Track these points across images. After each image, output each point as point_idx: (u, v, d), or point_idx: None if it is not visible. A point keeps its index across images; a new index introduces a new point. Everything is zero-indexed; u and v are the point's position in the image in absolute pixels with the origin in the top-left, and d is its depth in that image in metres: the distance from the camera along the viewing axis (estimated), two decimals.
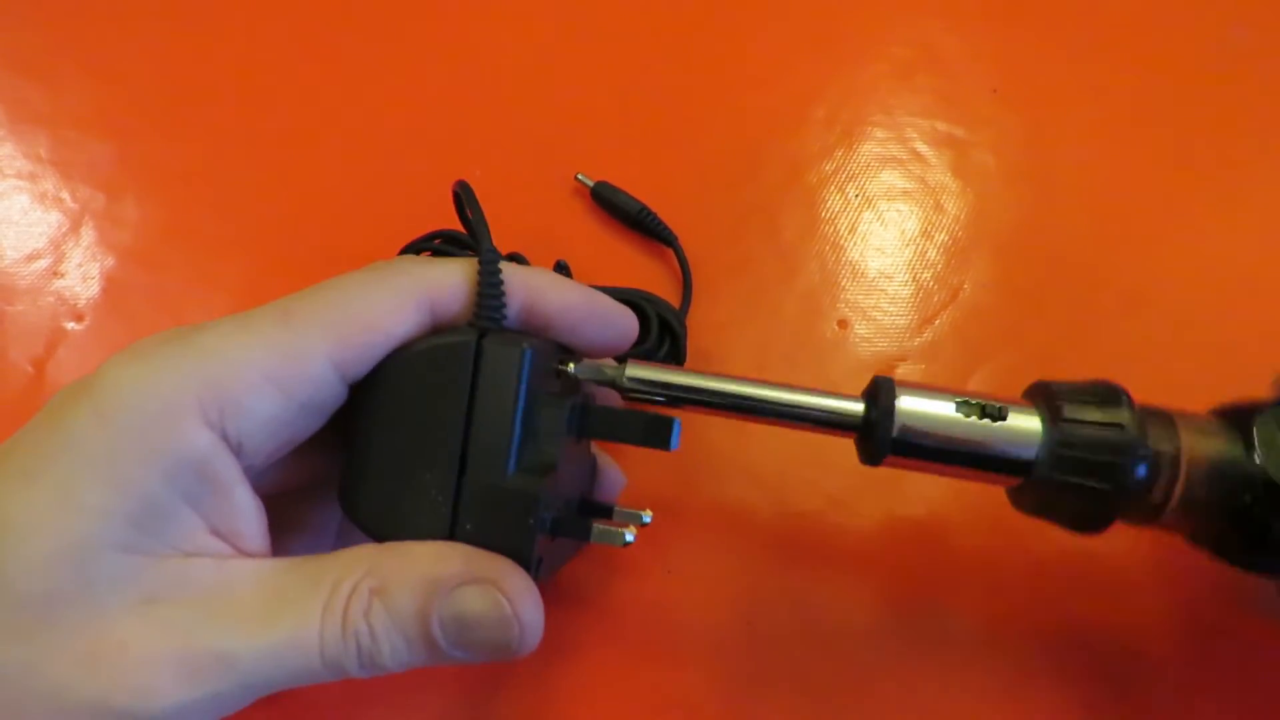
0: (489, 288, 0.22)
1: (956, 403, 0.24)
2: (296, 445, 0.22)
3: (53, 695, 0.18)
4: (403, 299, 0.22)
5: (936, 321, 0.34)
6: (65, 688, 0.18)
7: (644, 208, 0.35)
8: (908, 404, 0.24)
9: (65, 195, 0.37)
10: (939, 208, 0.36)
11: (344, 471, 0.23)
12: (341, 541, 0.27)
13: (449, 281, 0.22)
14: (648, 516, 0.26)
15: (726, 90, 0.39)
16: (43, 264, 0.36)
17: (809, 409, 0.24)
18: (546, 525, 0.22)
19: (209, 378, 0.19)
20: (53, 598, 0.18)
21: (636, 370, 0.25)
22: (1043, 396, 0.25)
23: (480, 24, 0.41)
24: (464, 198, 0.25)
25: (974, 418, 0.24)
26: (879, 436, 0.24)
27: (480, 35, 0.40)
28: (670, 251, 0.35)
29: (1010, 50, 0.39)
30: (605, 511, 0.27)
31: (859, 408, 0.24)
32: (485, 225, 0.24)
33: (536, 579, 0.21)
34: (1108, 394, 0.24)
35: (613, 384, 0.25)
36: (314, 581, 0.20)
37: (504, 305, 0.23)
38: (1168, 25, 0.39)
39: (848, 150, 0.38)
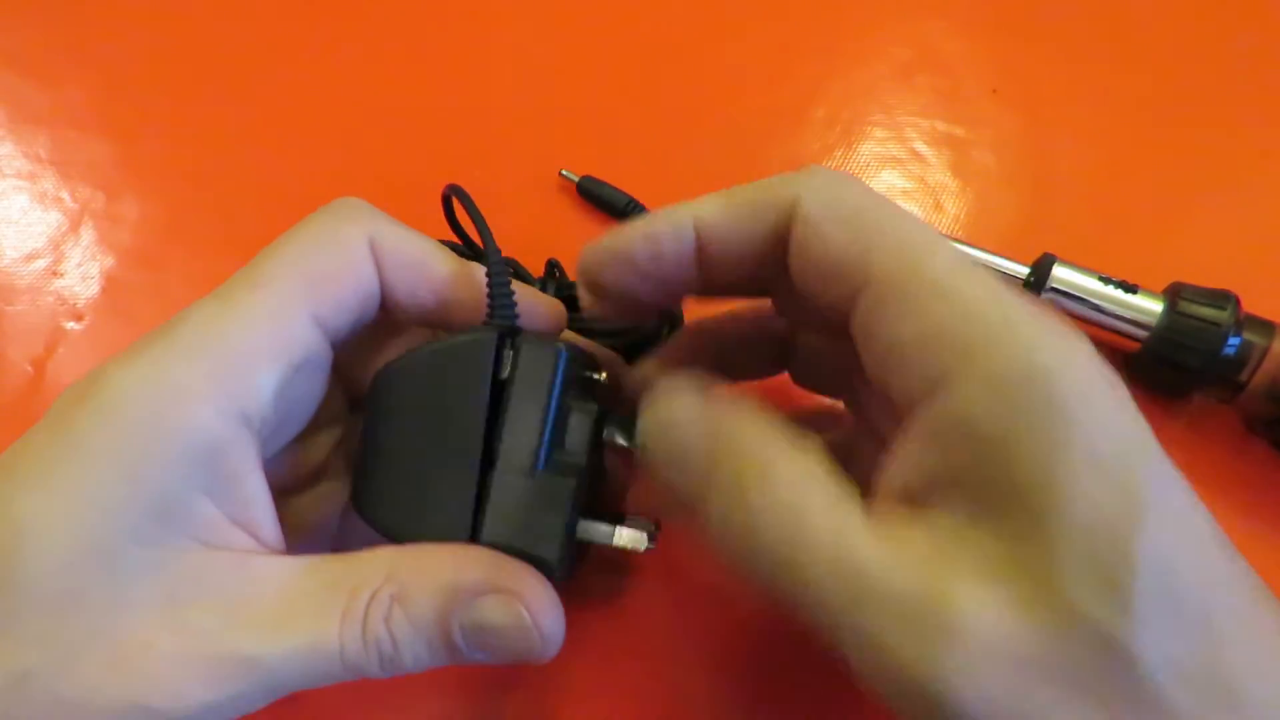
0: (499, 288, 0.22)
1: (1100, 276, 0.31)
2: (300, 422, 0.22)
3: (85, 697, 0.18)
4: (355, 246, 0.22)
5: None
6: (97, 689, 0.18)
7: (631, 200, 0.35)
8: (1061, 272, 0.31)
9: (65, 195, 0.37)
10: (939, 207, 0.36)
11: (356, 472, 0.22)
12: (339, 542, 0.27)
13: (391, 234, 0.23)
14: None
15: (727, 90, 0.39)
16: (42, 264, 0.36)
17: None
18: (573, 526, 0.22)
19: (207, 359, 0.20)
20: (78, 598, 0.18)
21: None
22: (1172, 291, 0.31)
23: (472, 23, 0.41)
24: (462, 201, 0.25)
25: (1111, 287, 0.31)
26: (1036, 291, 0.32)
27: (474, 36, 0.40)
28: None
29: (1010, 50, 0.40)
30: (616, 519, 0.26)
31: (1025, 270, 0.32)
32: (488, 229, 0.23)
33: (559, 580, 0.21)
34: (1220, 295, 0.30)
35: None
36: (333, 586, 0.20)
37: (515, 306, 0.22)
38: (1167, 25, 0.40)
39: (848, 150, 0.38)
